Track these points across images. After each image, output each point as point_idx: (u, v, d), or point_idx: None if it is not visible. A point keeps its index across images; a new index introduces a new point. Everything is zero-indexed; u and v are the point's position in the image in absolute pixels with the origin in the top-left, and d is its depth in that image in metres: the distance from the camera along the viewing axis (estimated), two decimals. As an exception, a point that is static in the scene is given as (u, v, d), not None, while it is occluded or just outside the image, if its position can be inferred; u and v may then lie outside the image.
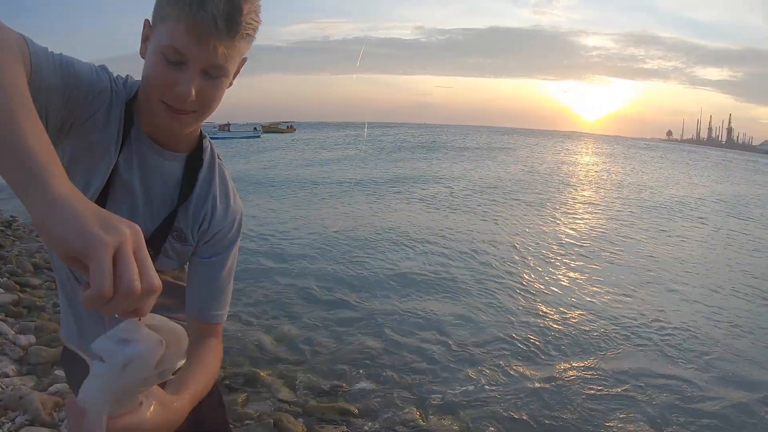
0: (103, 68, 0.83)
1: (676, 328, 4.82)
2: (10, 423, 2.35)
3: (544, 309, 5.18)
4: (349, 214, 10.01)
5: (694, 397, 3.61)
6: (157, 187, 0.90)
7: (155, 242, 0.89)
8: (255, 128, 55.85)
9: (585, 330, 4.67)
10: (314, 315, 4.72)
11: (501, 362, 3.94)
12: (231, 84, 0.84)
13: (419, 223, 9.19)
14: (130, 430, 0.55)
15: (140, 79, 0.83)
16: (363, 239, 7.78)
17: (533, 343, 4.32)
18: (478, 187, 14.99)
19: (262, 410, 3.03)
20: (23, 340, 3.30)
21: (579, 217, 11.05)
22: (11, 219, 7.56)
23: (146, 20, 0.80)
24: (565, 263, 7.05)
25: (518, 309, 5.13)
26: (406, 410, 3.17)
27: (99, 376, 0.50)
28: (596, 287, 5.98)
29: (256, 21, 0.78)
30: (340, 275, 5.95)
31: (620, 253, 7.80)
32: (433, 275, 6.08)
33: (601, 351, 4.25)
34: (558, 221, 10.34)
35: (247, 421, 2.88)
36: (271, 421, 2.84)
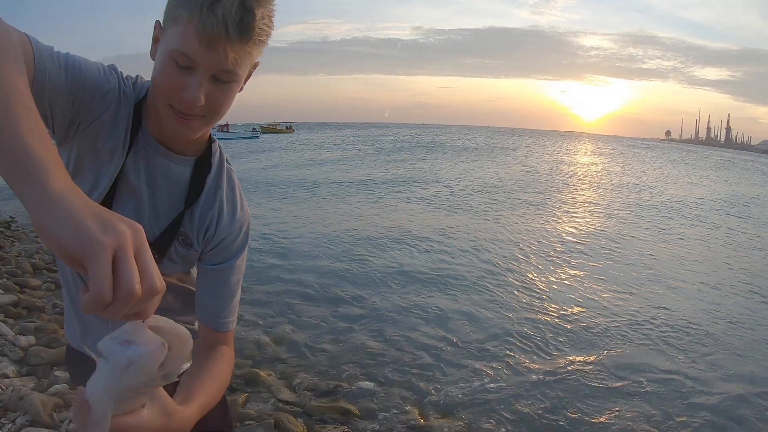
0: (112, 68, 0.81)
1: (675, 324, 4.85)
2: (10, 424, 2.34)
3: (545, 307, 5.19)
4: (350, 214, 10.02)
5: (694, 392, 3.63)
6: (164, 190, 0.88)
7: (160, 246, 0.88)
8: (254, 129, 55.88)
9: (585, 327, 4.68)
10: (314, 314, 4.72)
11: (501, 361, 3.95)
12: (241, 89, 0.82)
13: (420, 222, 9.20)
14: (127, 431, 0.54)
15: (150, 80, 0.81)
16: (364, 238, 7.79)
17: (534, 341, 4.32)
18: (479, 187, 15.00)
19: (262, 410, 3.03)
20: (23, 341, 3.30)
21: (579, 216, 11.06)
22: (10, 220, 7.55)
23: (157, 21, 0.78)
24: (566, 261, 7.06)
25: (519, 307, 5.14)
26: (407, 410, 3.17)
27: (103, 374, 0.49)
28: (597, 285, 5.99)
29: (269, 27, 0.75)
30: (341, 274, 5.95)
31: (620, 251, 7.82)
32: (434, 273, 6.09)
33: (602, 348, 4.26)
34: (558, 220, 10.35)
35: (248, 422, 2.87)
36: (272, 421, 2.83)
